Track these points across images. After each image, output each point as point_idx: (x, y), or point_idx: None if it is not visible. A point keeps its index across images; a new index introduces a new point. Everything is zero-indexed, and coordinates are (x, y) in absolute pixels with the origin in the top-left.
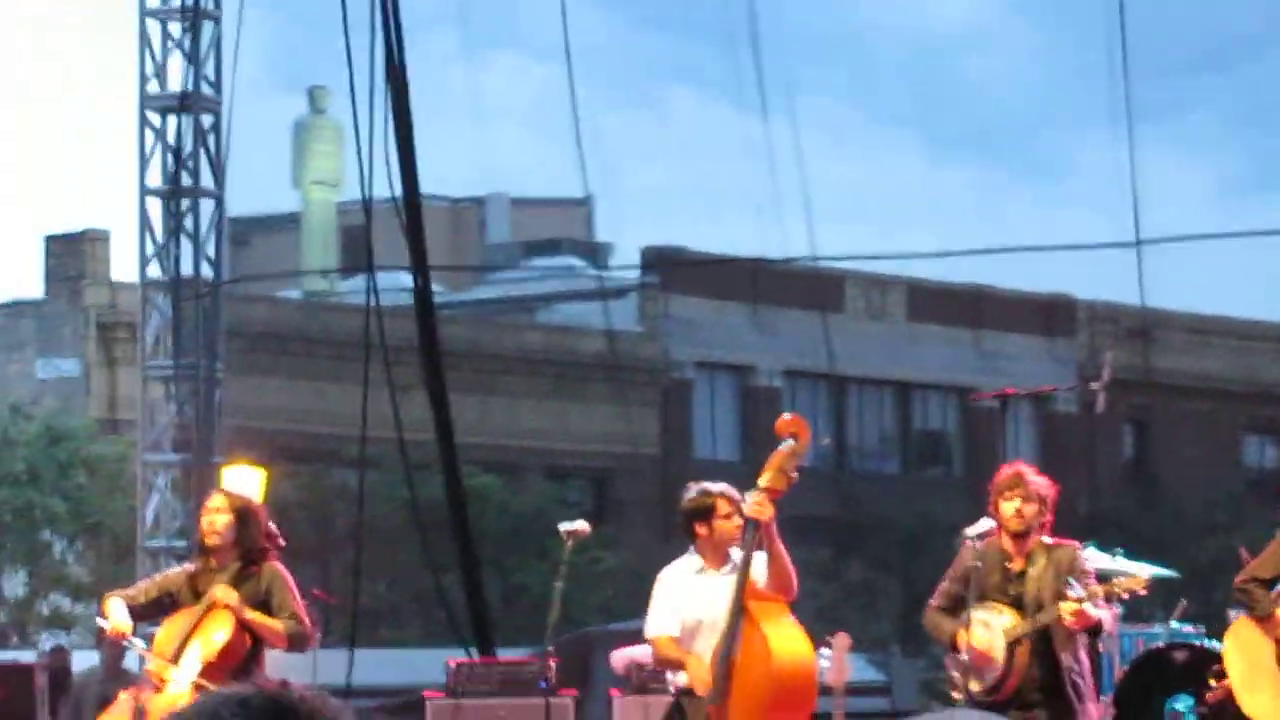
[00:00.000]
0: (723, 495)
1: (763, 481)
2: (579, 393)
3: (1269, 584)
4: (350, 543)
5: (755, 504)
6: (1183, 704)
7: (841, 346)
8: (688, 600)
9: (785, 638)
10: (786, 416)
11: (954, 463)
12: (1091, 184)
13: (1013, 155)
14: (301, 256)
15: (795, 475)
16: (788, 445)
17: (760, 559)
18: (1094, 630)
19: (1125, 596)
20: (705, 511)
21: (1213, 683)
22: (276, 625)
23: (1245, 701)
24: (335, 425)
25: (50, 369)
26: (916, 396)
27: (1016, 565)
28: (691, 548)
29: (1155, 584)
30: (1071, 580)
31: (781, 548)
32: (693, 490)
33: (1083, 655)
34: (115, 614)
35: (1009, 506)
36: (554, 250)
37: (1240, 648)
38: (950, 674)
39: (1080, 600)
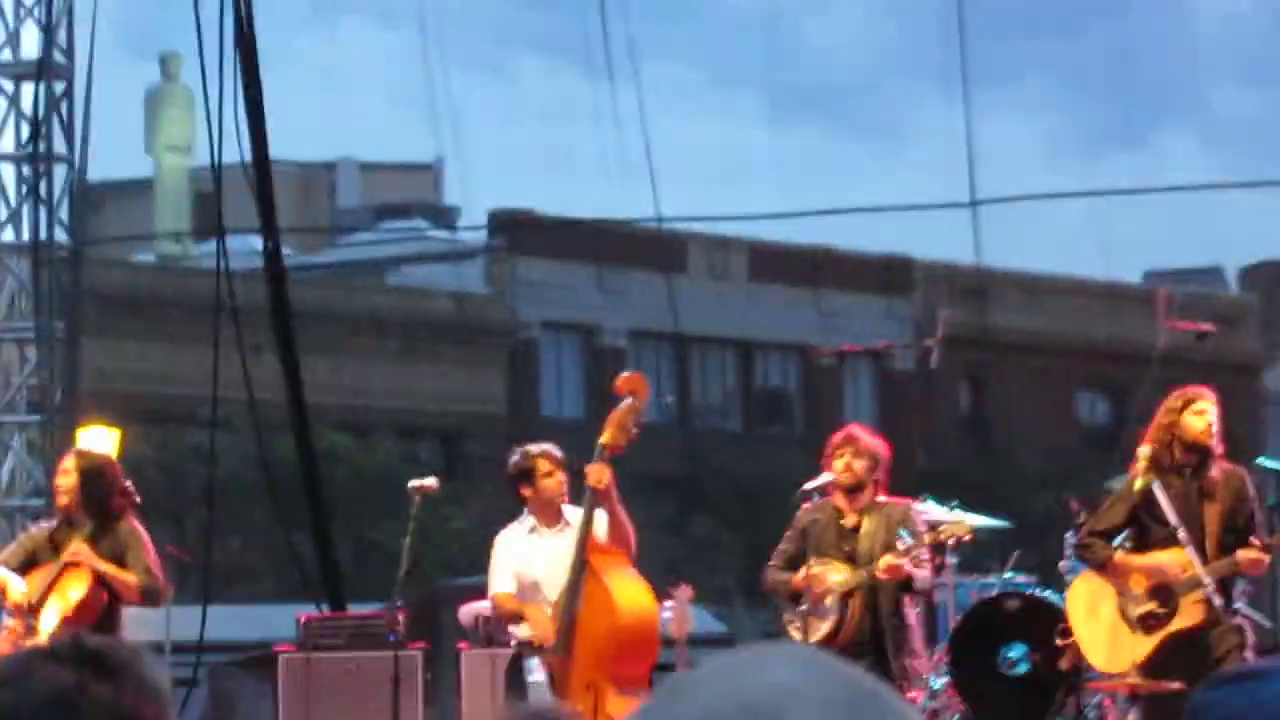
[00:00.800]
0: (542, 455)
1: (603, 439)
2: (428, 353)
3: (1106, 536)
4: (201, 504)
5: (593, 471)
6: (1016, 652)
7: (685, 307)
8: (523, 560)
9: (627, 590)
10: (625, 375)
11: (795, 420)
12: (929, 146)
13: (853, 117)
14: (155, 221)
15: (635, 431)
16: (627, 403)
17: (601, 516)
18: (906, 585)
19: (950, 543)
20: (527, 473)
21: (1059, 642)
22: (130, 579)
23: (1090, 650)
24: (189, 387)
25: None
26: (758, 355)
27: (850, 521)
28: (528, 510)
29: (991, 535)
30: (901, 532)
31: (620, 509)
32: (515, 454)
33: (907, 609)
34: (9, 582)
35: (840, 463)
36: (403, 214)
37: (1083, 603)
38: (789, 628)
39: (905, 551)
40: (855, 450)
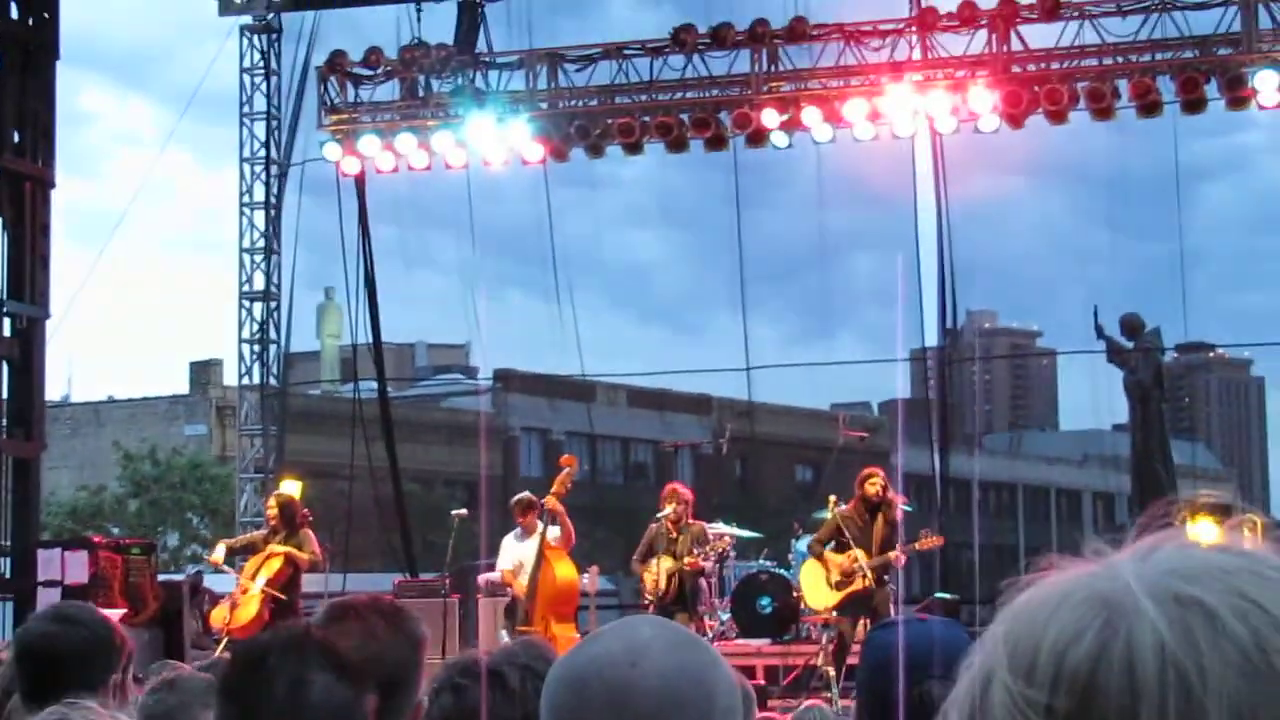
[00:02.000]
0: (522, 501)
1: (553, 489)
2: (461, 443)
3: (822, 543)
4: (342, 521)
5: (549, 502)
6: (764, 600)
7: (596, 421)
8: (515, 552)
9: (561, 570)
10: (565, 456)
11: (650, 478)
12: (718, 339)
13: (678, 320)
14: (320, 373)
15: (569, 485)
16: (565, 471)
17: (553, 530)
18: (699, 572)
19: (722, 549)
20: (522, 509)
21: (794, 594)
22: (304, 556)
23: (809, 598)
24: (336, 459)
25: (191, 430)
26: (632, 445)
27: (673, 535)
28: (518, 526)
29: (751, 540)
30: (696, 550)
31: (567, 522)
32: (515, 500)
33: (701, 582)
34: (216, 552)
35: (669, 507)
36: (450, 370)
37: (809, 573)
38: (644, 591)
39: (697, 556)
40: (676, 500)
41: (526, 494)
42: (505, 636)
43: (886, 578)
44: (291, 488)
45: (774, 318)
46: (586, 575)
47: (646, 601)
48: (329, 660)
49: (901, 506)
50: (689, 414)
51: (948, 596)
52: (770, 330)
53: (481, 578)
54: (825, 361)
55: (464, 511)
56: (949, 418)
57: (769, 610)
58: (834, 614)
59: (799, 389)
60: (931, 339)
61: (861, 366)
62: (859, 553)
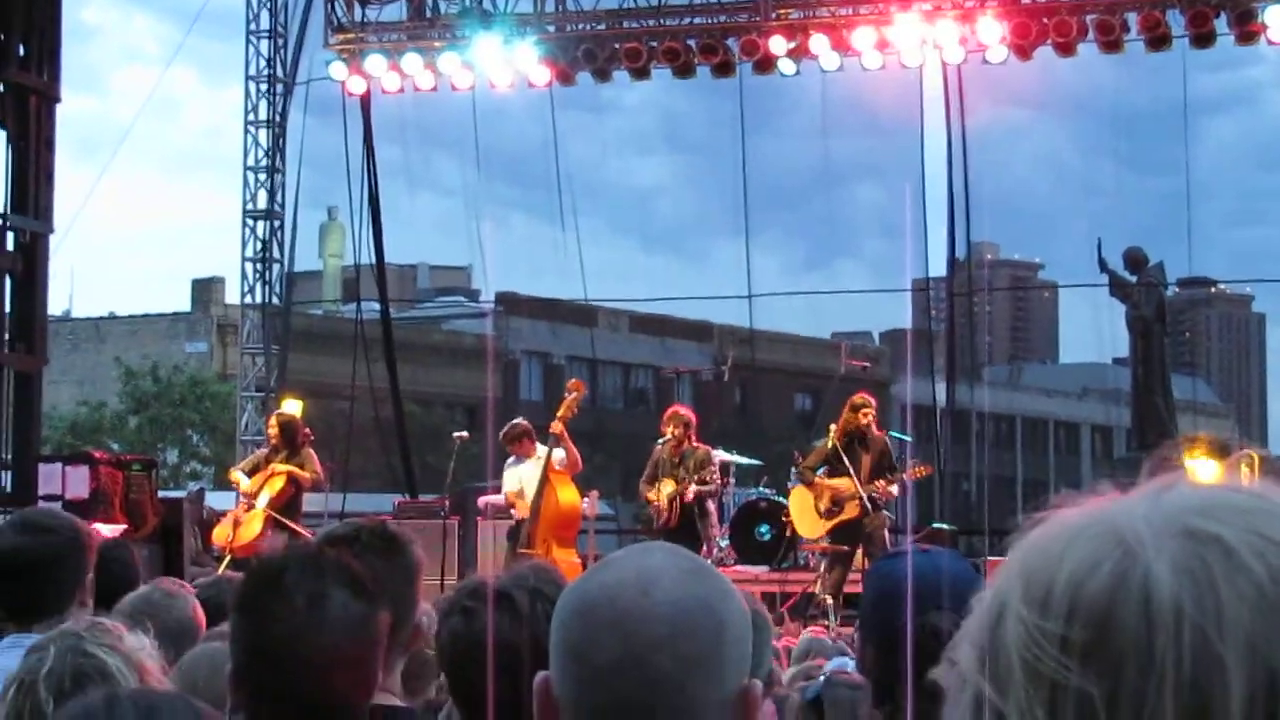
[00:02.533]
0: (511, 433)
1: (559, 412)
2: (462, 365)
3: (812, 468)
4: (342, 441)
5: (554, 426)
6: (763, 529)
7: (598, 346)
8: (517, 475)
9: (564, 494)
10: (573, 380)
11: (651, 404)
12: (721, 266)
13: (681, 247)
14: (322, 292)
15: (576, 409)
16: (572, 395)
17: (558, 453)
18: (701, 498)
19: (719, 478)
20: (510, 439)
21: (784, 519)
22: (306, 475)
23: (799, 527)
24: (338, 380)
25: (192, 348)
26: (633, 371)
27: (675, 459)
28: (511, 455)
29: (751, 467)
30: (699, 475)
31: (571, 446)
32: (504, 431)
33: (709, 505)
34: (241, 483)
35: (668, 429)
36: (452, 292)
37: (797, 501)
38: (647, 514)
39: (702, 480)
40: (676, 422)
41: (518, 422)
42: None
43: (879, 504)
44: (293, 407)
45: (777, 246)
46: (586, 500)
47: (653, 526)
48: (345, 577)
49: (890, 436)
50: (690, 340)
51: (945, 527)
52: (773, 258)
53: (481, 500)
54: (827, 290)
55: (464, 434)
56: (954, 348)
57: (767, 538)
58: (829, 542)
59: (801, 317)
60: (935, 270)
61: (864, 296)
62: (849, 480)
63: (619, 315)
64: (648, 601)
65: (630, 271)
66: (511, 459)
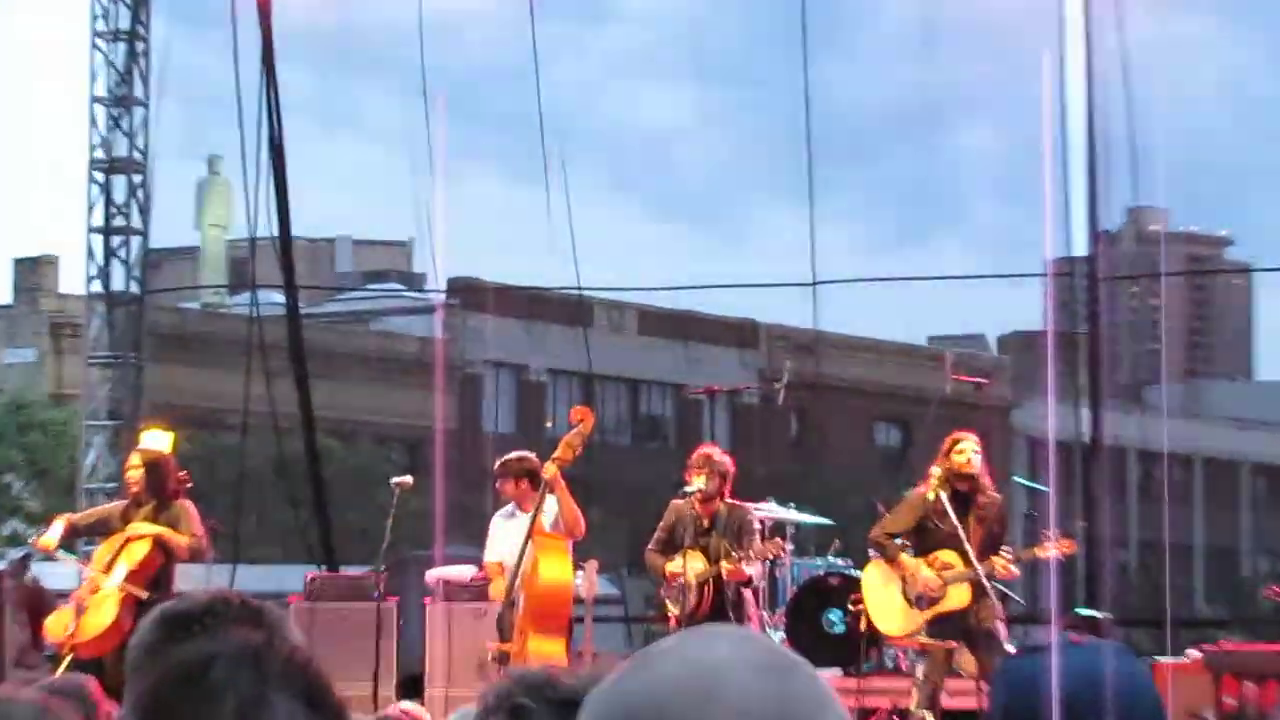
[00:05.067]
0: (511, 466)
1: (557, 453)
2: (400, 381)
3: (896, 536)
4: (230, 488)
5: (547, 471)
6: (834, 615)
7: (595, 355)
8: (506, 537)
9: (549, 564)
10: (578, 407)
11: (669, 438)
12: (770, 241)
13: (712, 215)
14: (199, 278)
15: (580, 449)
16: (576, 429)
17: (551, 506)
18: (746, 582)
19: (772, 557)
20: (507, 475)
21: (852, 605)
22: (182, 541)
23: (877, 620)
24: (223, 402)
25: (14, 356)
26: (643, 390)
27: (704, 523)
28: (509, 500)
29: (814, 527)
30: (738, 547)
31: (568, 499)
32: (502, 461)
33: (745, 593)
34: (49, 533)
35: (699, 481)
36: (384, 278)
37: (876, 583)
38: (664, 599)
39: (736, 561)
40: (709, 469)
41: (525, 455)
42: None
43: (992, 585)
44: (160, 441)
45: (851, 213)
46: (581, 574)
47: (673, 612)
48: (296, 678)
49: (1018, 484)
50: (726, 347)
51: (1096, 615)
52: (845, 230)
53: (431, 575)
54: (922, 276)
55: (406, 480)
56: (1099, 359)
57: (840, 629)
58: (925, 637)
59: (884, 315)
60: (1076, 247)
61: (975, 285)
62: (950, 554)
63: (624, 311)
64: (713, 710)
65: (641, 249)
66: (505, 510)
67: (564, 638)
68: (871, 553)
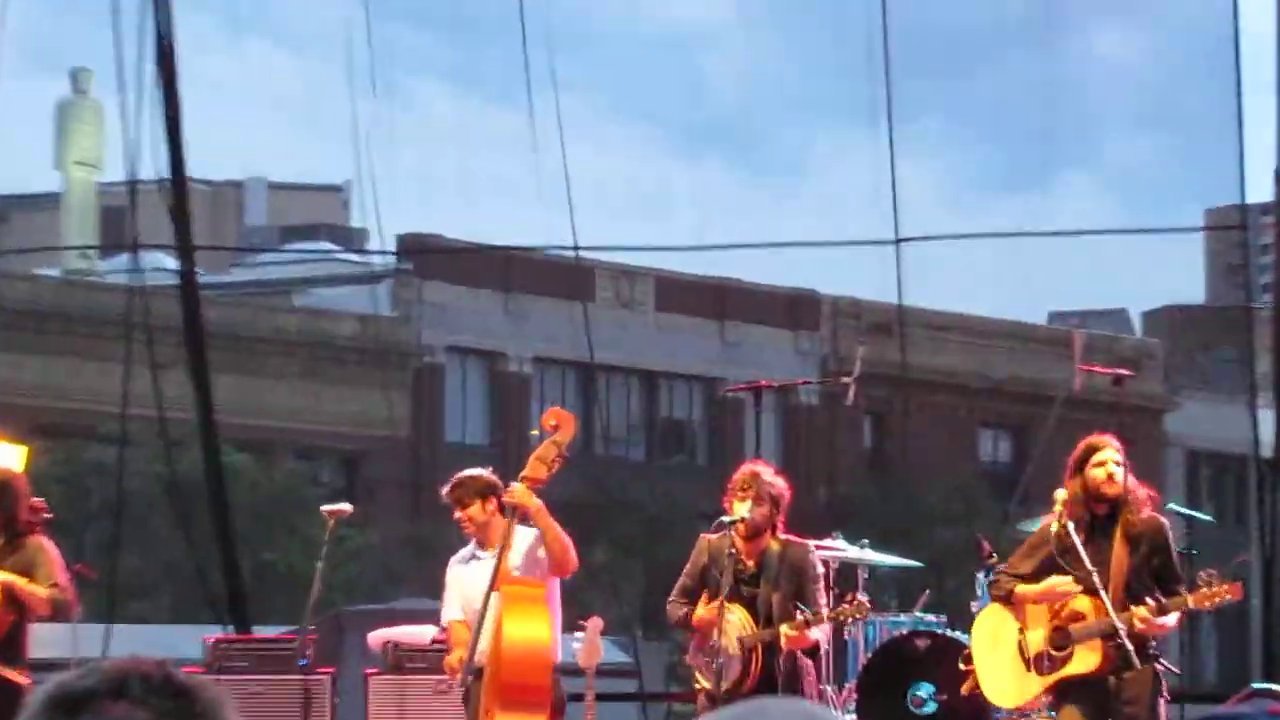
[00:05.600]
0: (468, 485)
1: (524, 471)
2: (332, 375)
3: (1021, 580)
4: (104, 517)
5: (513, 494)
6: (924, 691)
7: (597, 337)
8: (467, 586)
9: (517, 624)
10: (551, 409)
11: (697, 451)
12: (834, 184)
13: (753, 149)
14: (61, 235)
15: (556, 465)
16: (549, 439)
17: (522, 542)
18: (810, 652)
19: (849, 623)
20: (464, 497)
21: (961, 665)
22: (41, 592)
23: (987, 689)
24: (92, 402)
25: None
26: (663, 385)
27: (750, 567)
28: (469, 536)
29: (893, 571)
30: (801, 606)
31: (554, 527)
32: (455, 480)
33: (804, 660)
34: None
35: (742, 507)
36: (311, 235)
37: (988, 636)
38: (697, 674)
39: (797, 625)
40: (757, 495)
41: (476, 472)
42: None
43: (1152, 648)
44: (6, 455)
45: (941, 147)
46: (579, 636)
47: (704, 687)
48: None
49: (1175, 511)
50: (775, 328)
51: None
52: (933, 171)
53: (374, 635)
54: (1040, 231)
55: (343, 508)
56: None
57: (932, 709)
58: (1045, 712)
59: (989, 284)
60: (1259, 191)
61: (1110, 243)
62: (1085, 603)
63: (636, 280)
64: None
65: (659, 196)
66: (463, 552)
67: (545, 714)
68: (980, 598)
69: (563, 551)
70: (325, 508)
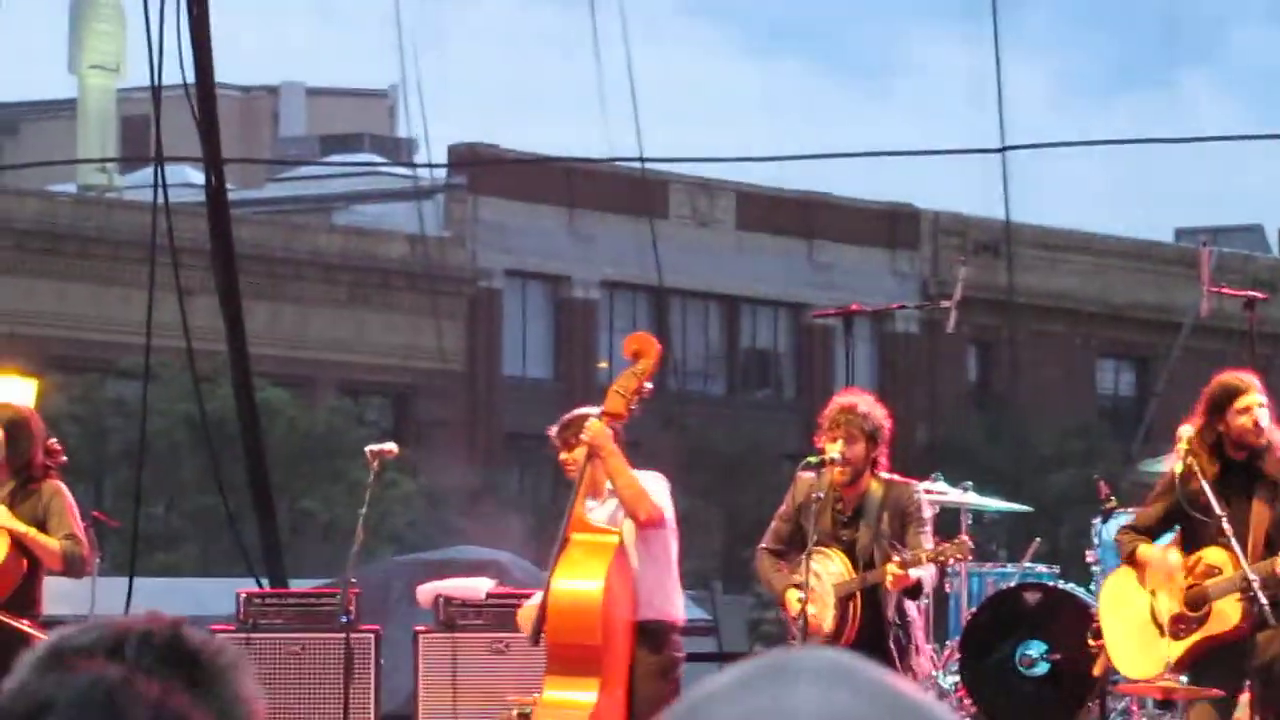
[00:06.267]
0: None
1: (604, 406)
2: (378, 302)
3: (1148, 533)
4: (126, 461)
5: (589, 432)
6: (1035, 649)
7: (665, 256)
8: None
9: (570, 574)
10: (633, 335)
11: (784, 384)
12: (921, 84)
13: (837, 43)
14: (77, 147)
15: (638, 399)
16: (631, 367)
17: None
18: (912, 591)
19: (950, 564)
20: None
21: (1092, 643)
22: (53, 545)
23: (1118, 659)
24: (110, 333)
25: None
26: (745, 312)
27: (846, 508)
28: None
29: (1001, 518)
30: (899, 545)
31: (623, 467)
32: (566, 419)
33: (910, 607)
34: None
35: (834, 447)
36: (354, 146)
37: (1113, 599)
38: (782, 618)
39: (901, 564)
40: (849, 433)
41: (591, 411)
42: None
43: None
44: (18, 391)
45: (1052, 44)
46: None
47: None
48: None
49: None
50: (869, 247)
51: None
52: (1044, 71)
53: (423, 589)
54: (1163, 137)
55: (391, 448)
56: None
57: (1042, 670)
58: (1179, 679)
59: (1107, 196)
60: None
61: (1242, 149)
62: (1218, 554)
63: (714, 194)
64: None
65: (735, 102)
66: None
67: (597, 679)
68: (1092, 554)
69: (637, 498)
70: (370, 448)
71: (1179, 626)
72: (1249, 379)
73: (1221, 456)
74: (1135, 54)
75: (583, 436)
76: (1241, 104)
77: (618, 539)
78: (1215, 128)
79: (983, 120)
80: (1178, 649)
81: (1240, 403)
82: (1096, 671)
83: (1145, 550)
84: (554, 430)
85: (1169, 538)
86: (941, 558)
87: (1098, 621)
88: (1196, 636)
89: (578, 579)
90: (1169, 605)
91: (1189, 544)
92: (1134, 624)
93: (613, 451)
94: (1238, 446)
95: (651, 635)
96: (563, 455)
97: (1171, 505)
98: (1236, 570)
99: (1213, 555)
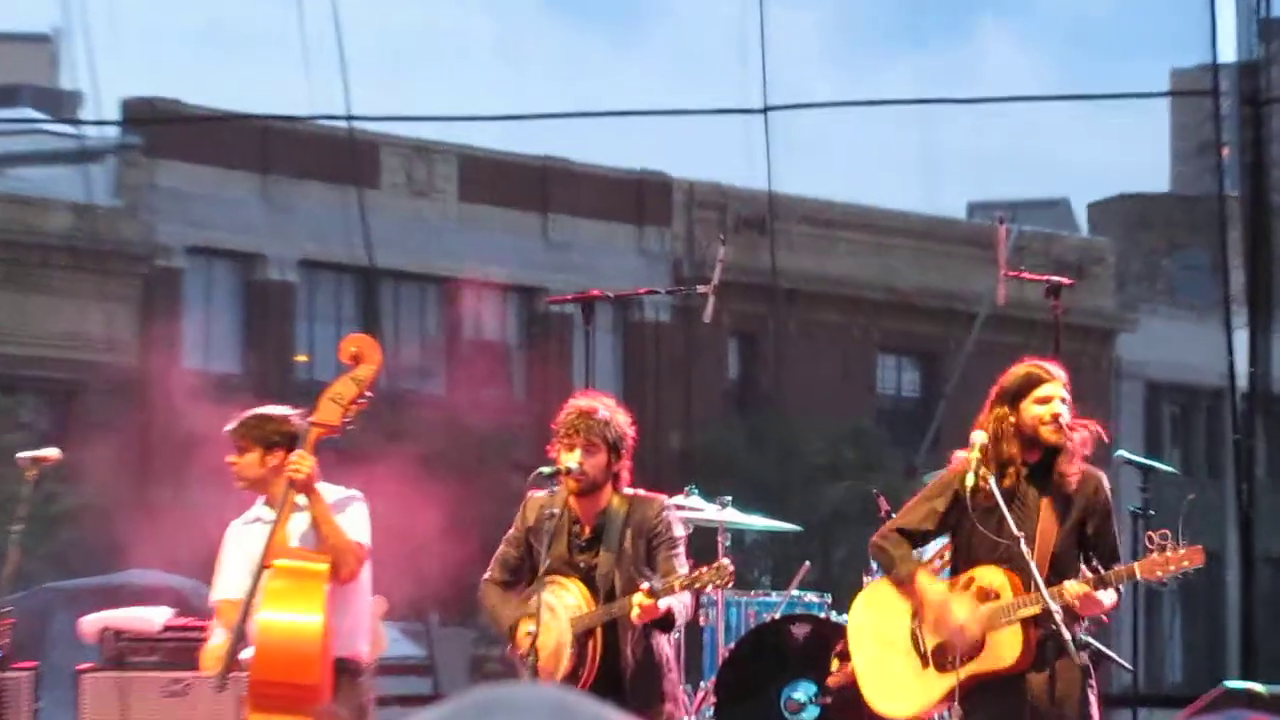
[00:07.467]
0: (251, 428)
1: (313, 415)
2: (37, 282)
3: (917, 539)
4: None
5: (294, 459)
6: (803, 692)
7: (375, 231)
8: (248, 554)
9: (281, 603)
10: (350, 336)
11: (514, 381)
12: (667, 30)
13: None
14: None
15: (355, 409)
16: (348, 373)
17: (303, 518)
18: (663, 624)
19: (707, 591)
20: (246, 442)
21: (835, 664)
22: None
23: (870, 692)
24: None
25: None
26: (468, 296)
27: (584, 529)
28: (258, 495)
29: (760, 544)
30: (646, 571)
31: (331, 520)
32: (239, 421)
33: (660, 642)
34: None
35: (570, 457)
36: (8, 99)
37: (869, 621)
38: (515, 662)
39: (650, 592)
40: (591, 438)
41: (274, 412)
42: None
43: (1082, 631)
44: None
45: None
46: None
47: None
48: None
49: (1128, 460)
50: (610, 221)
51: (1258, 690)
52: (812, 21)
53: (89, 621)
54: (946, 98)
55: (51, 454)
56: (1266, 240)
57: (813, 715)
58: (949, 712)
59: (889, 165)
60: (1225, 49)
61: (1045, 111)
62: (995, 574)
63: (432, 159)
64: None
65: (457, 53)
66: (251, 511)
67: None
68: (870, 579)
69: (340, 553)
70: (24, 454)
71: (946, 658)
72: (1053, 368)
73: (1012, 461)
74: (924, 2)
75: (290, 473)
76: (1045, 62)
77: (326, 565)
78: (1014, 87)
79: (745, 76)
80: (944, 684)
81: (1040, 392)
82: (831, 683)
83: (929, 587)
84: (229, 427)
85: (934, 546)
86: (697, 584)
87: (844, 640)
88: (971, 670)
89: (292, 611)
90: (935, 629)
91: (960, 557)
92: (894, 650)
93: (319, 497)
94: (1031, 444)
95: (350, 674)
96: (231, 458)
97: (949, 510)
98: (1019, 596)
99: (989, 576)
